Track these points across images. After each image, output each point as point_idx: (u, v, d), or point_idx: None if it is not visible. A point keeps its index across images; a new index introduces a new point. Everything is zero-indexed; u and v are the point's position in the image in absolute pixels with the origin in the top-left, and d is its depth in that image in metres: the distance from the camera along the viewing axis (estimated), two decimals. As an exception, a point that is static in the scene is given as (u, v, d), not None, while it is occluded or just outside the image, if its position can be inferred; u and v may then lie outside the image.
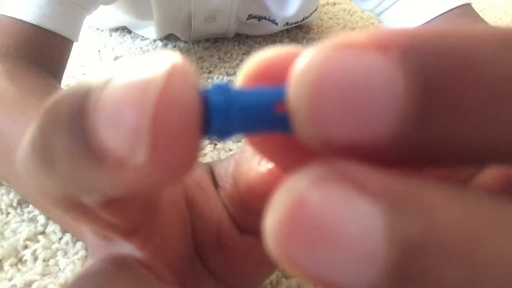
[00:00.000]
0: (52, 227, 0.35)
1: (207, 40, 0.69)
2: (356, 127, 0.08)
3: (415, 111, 0.07)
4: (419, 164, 0.08)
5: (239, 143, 0.45)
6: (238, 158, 0.17)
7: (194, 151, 0.09)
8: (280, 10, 0.65)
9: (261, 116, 0.09)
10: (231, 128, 0.09)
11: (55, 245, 0.34)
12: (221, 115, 0.09)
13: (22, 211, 0.37)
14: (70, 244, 0.34)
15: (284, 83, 0.09)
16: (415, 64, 0.07)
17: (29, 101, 0.37)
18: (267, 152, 0.12)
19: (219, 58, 0.64)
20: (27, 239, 0.34)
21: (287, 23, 0.68)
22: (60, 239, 0.35)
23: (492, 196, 0.08)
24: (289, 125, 0.09)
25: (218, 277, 0.18)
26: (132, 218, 0.13)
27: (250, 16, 0.66)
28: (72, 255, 0.33)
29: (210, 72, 0.61)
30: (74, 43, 0.49)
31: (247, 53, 0.66)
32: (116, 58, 0.65)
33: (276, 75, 0.10)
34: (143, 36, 0.70)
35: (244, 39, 0.70)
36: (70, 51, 0.48)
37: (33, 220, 0.36)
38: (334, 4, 0.85)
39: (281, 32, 0.72)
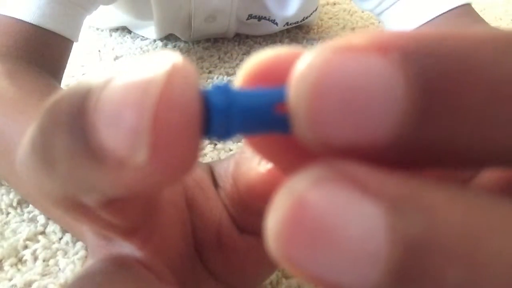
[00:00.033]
0: (52, 227, 0.35)
1: (207, 40, 0.69)
2: (356, 128, 0.08)
3: (415, 113, 0.07)
4: (419, 166, 0.08)
5: (239, 143, 0.45)
6: (238, 158, 0.17)
7: (194, 151, 0.09)
8: (280, 10, 0.65)
9: (261, 117, 0.09)
10: (231, 129, 0.09)
11: (55, 245, 0.34)
12: (222, 116, 0.09)
13: (22, 211, 0.37)
14: (70, 244, 0.34)
15: (283, 84, 0.09)
16: (415, 67, 0.07)
17: (29, 101, 0.37)
18: (266, 153, 0.12)
19: (219, 58, 0.64)
20: (27, 239, 0.34)
21: (287, 23, 0.68)
22: (60, 239, 0.35)
23: (492, 196, 0.08)
24: (289, 126, 0.09)
25: (218, 277, 0.18)
26: (132, 218, 0.13)
27: (250, 16, 0.66)
28: (72, 255, 0.33)
29: (210, 72, 0.61)
30: (74, 43, 0.49)
31: (247, 53, 0.66)
32: (116, 58, 0.65)
33: (275, 75, 0.10)
34: (143, 36, 0.70)
35: (244, 39, 0.70)
36: (70, 51, 0.48)
37: (33, 220, 0.36)
38: (334, 4, 0.84)
39: (281, 32, 0.72)
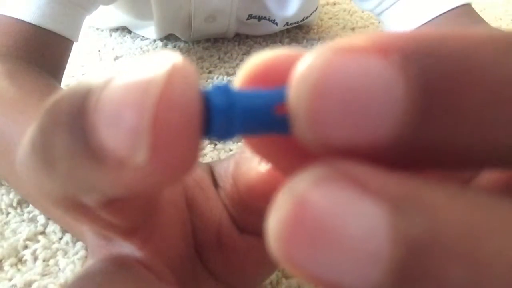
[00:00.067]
0: (52, 227, 0.35)
1: (207, 40, 0.69)
2: (356, 129, 0.08)
3: (415, 114, 0.07)
4: (419, 166, 0.08)
5: (239, 143, 0.45)
6: (238, 158, 0.17)
7: (195, 151, 0.09)
8: (280, 10, 0.66)
9: (261, 117, 0.09)
10: (231, 129, 0.09)
11: (55, 245, 0.34)
12: (222, 116, 0.09)
13: (22, 211, 0.37)
14: (70, 244, 0.34)
15: (283, 85, 0.09)
16: (416, 68, 0.07)
17: (29, 101, 0.37)
18: (265, 153, 0.12)
19: (219, 58, 0.64)
20: (27, 239, 0.34)
21: (287, 23, 0.68)
22: (60, 239, 0.35)
23: (493, 196, 0.08)
24: (289, 127, 0.09)
25: (218, 277, 0.18)
26: (132, 218, 0.13)
27: (250, 16, 0.66)
28: (72, 255, 0.33)
29: (210, 72, 0.61)
30: (74, 43, 0.49)
31: (247, 53, 0.66)
32: (116, 58, 0.65)
33: (274, 76, 0.10)
34: (143, 36, 0.70)
35: (244, 39, 0.70)
36: (70, 51, 0.48)
37: (33, 220, 0.36)
38: (334, 4, 0.84)
39: (281, 32, 0.72)
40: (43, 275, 0.32)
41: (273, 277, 0.30)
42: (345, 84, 0.08)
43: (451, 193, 0.07)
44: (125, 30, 0.72)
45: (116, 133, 0.08)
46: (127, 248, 0.14)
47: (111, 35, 0.71)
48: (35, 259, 0.33)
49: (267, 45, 0.69)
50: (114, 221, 0.12)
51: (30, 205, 0.37)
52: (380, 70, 0.07)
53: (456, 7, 0.50)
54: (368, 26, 0.77)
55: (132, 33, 0.72)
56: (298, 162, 0.11)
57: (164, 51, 0.10)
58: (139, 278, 0.13)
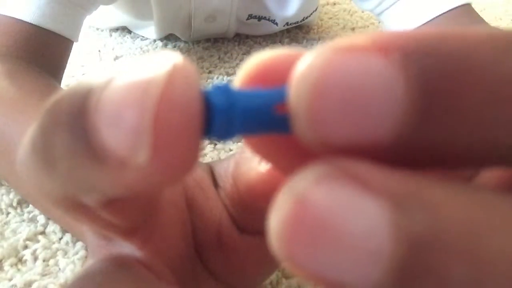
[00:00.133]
0: (52, 227, 0.35)
1: (207, 40, 0.69)
2: (356, 128, 0.08)
3: (415, 113, 0.07)
4: (419, 165, 0.08)
5: (239, 143, 0.45)
6: (238, 158, 0.17)
7: (195, 151, 0.09)
8: (280, 10, 0.66)
9: (262, 117, 0.09)
10: (232, 129, 0.09)
11: (55, 245, 0.34)
12: (223, 116, 0.09)
13: (22, 211, 0.37)
14: (70, 244, 0.34)
15: (283, 84, 0.09)
16: (416, 67, 0.07)
17: (29, 101, 0.37)
18: (265, 153, 0.12)
19: (219, 58, 0.64)
20: (27, 239, 0.34)
21: (287, 23, 0.68)
22: (60, 239, 0.35)
23: (495, 193, 0.08)
24: (289, 126, 0.09)
25: (218, 277, 0.18)
26: (132, 218, 0.13)
27: (250, 16, 0.66)
28: (72, 255, 0.33)
29: (210, 72, 0.61)
30: (74, 43, 0.49)
31: (247, 53, 0.66)
32: (116, 58, 0.65)
33: (274, 76, 0.10)
34: (143, 36, 0.70)
35: (244, 39, 0.70)
36: (70, 51, 0.48)
37: (33, 220, 0.36)
38: (334, 4, 0.85)
39: (281, 32, 0.72)
40: (43, 275, 0.32)
41: (273, 277, 0.30)
42: (345, 83, 0.08)
43: (453, 190, 0.07)
44: (125, 30, 0.72)
45: (116, 133, 0.08)
46: (127, 248, 0.14)
47: (111, 35, 0.71)
48: (35, 259, 0.33)
49: (267, 45, 0.69)
50: (114, 221, 0.12)
51: (30, 205, 0.37)
52: (380, 69, 0.07)
53: (456, 7, 0.50)
54: (368, 26, 0.77)
55: (132, 33, 0.72)
56: (298, 162, 0.11)
57: (164, 51, 0.10)
58: (139, 278, 0.13)
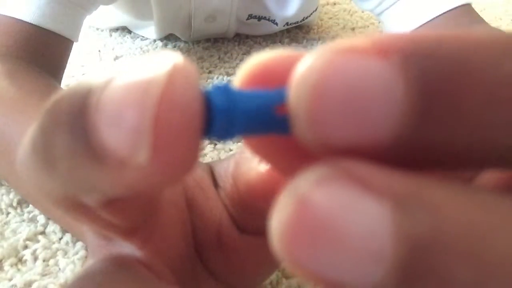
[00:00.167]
0: (52, 227, 0.35)
1: (207, 40, 0.69)
2: (355, 129, 0.08)
3: (415, 115, 0.07)
4: (419, 167, 0.08)
5: (239, 143, 0.45)
6: (238, 158, 0.17)
7: (195, 151, 0.09)
8: (280, 10, 0.66)
9: (262, 118, 0.09)
10: (232, 130, 0.09)
11: (55, 245, 0.34)
12: (224, 117, 0.09)
13: (22, 211, 0.37)
14: (70, 244, 0.34)
15: (283, 85, 0.09)
16: (415, 69, 0.07)
17: (29, 101, 0.37)
18: (265, 154, 0.12)
19: (219, 58, 0.64)
20: (27, 239, 0.34)
21: (287, 23, 0.68)
22: (60, 239, 0.35)
23: (496, 194, 0.08)
24: (289, 127, 0.09)
25: (218, 277, 0.18)
26: (132, 218, 0.13)
27: (250, 16, 0.66)
28: (72, 255, 0.33)
29: (210, 72, 0.61)
30: (74, 43, 0.49)
31: (247, 53, 0.66)
32: (116, 58, 0.65)
33: (273, 77, 0.10)
34: (143, 36, 0.70)
35: (244, 39, 0.70)
36: (70, 51, 0.48)
37: (33, 220, 0.36)
38: (334, 4, 0.85)
39: (281, 32, 0.72)
40: (43, 275, 0.32)
41: (273, 277, 0.30)
42: (345, 84, 0.08)
43: (454, 191, 0.07)
44: (125, 30, 0.72)
45: (117, 133, 0.09)
46: (127, 248, 0.14)
47: (111, 35, 0.71)
48: (35, 259, 0.33)
49: (267, 45, 0.69)
50: (114, 221, 0.12)
51: (30, 205, 0.37)
52: (380, 71, 0.07)
53: (456, 7, 0.50)
54: (368, 26, 0.77)
55: (132, 33, 0.72)
56: (297, 163, 0.11)
57: (165, 51, 0.10)
58: (139, 278, 0.13)
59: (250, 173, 0.16)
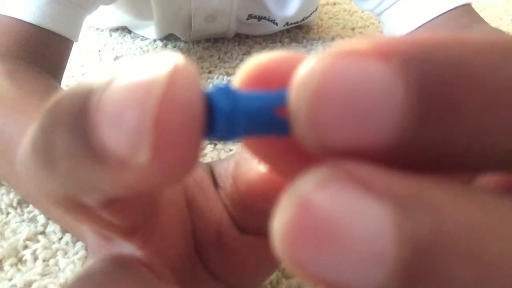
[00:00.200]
0: (52, 227, 0.35)
1: (207, 40, 0.69)
2: (355, 132, 0.08)
3: (415, 118, 0.07)
4: (419, 169, 0.08)
5: (239, 144, 0.45)
6: (238, 158, 0.17)
7: (196, 151, 0.09)
8: (280, 10, 0.66)
9: (263, 119, 0.09)
10: (233, 131, 0.09)
11: (55, 245, 0.34)
12: (225, 118, 0.09)
13: (22, 211, 0.37)
14: (70, 244, 0.34)
15: (282, 87, 0.09)
16: (415, 73, 0.07)
17: (29, 101, 0.37)
18: (263, 155, 0.12)
19: (219, 58, 0.64)
20: (27, 239, 0.34)
21: (287, 23, 0.68)
22: (60, 239, 0.35)
23: (498, 196, 0.08)
24: (290, 129, 0.09)
25: (218, 277, 0.18)
26: (132, 218, 0.13)
27: (250, 16, 0.66)
28: (72, 255, 0.33)
29: (210, 72, 0.61)
30: (74, 43, 0.49)
31: (247, 53, 0.66)
32: (116, 58, 0.65)
33: (272, 79, 0.10)
34: (143, 36, 0.70)
35: (244, 39, 0.70)
36: (70, 51, 0.48)
37: (33, 220, 0.36)
38: (334, 4, 0.85)
39: (281, 32, 0.72)
40: (43, 275, 0.32)
41: (273, 277, 0.30)
42: (345, 87, 0.08)
43: (454, 192, 0.07)
44: (125, 30, 0.72)
45: (117, 134, 0.09)
46: (127, 248, 0.14)
47: (111, 35, 0.71)
48: (35, 259, 0.33)
49: (267, 45, 0.69)
50: (114, 221, 0.12)
51: (30, 205, 0.37)
52: (380, 74, 0.08)
53: (456, 7, 0.50)
54: (368, 26, 0.77)
55: (132, 33, 0.72)
56: (296, 165, 0.11)
57: (165, 51, 0.10)
58: (139, 278, 0.13)
59: (250, 173, 0.16)
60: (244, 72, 0.10)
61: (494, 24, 0.71)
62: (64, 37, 0.46)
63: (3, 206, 0.37)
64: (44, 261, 0.33)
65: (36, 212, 0.37)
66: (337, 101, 0.08)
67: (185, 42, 0.69)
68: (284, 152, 0.11)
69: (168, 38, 0.70)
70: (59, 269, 0.32)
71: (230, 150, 0.44)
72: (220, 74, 0.60)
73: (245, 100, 0.09)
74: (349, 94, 0.08)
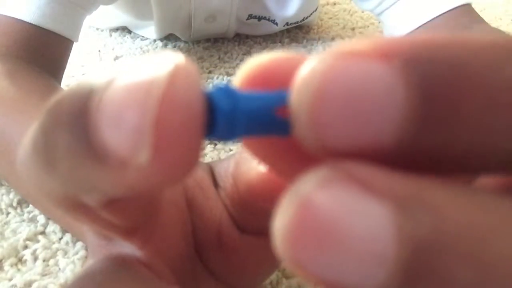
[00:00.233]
0: (52, 227, 0.35)
1: (207, 40, 0.69)
2: (356, 133, 0.08)
3: (416, 119, 0.07)
4: (419, 170, 0.08)
5: (239, 143, 0.45)
6: (238, 158, 0.17)
7: (196, 151, 0.09)
8: (280, 10, 0.66)
9: (264, 119, 0.09)
10: (234, 131, 0.10)
11: (55, 245, 0.34)
12: (226, 118, 0.09)
13: (22, 211, 0.37)
14: (70, 244, 0.34)
15: (282, 87, 0.09)
16: (416, 74, 0.07)
17: (29, 101, 0.37)
18: (263, 156, 0.12)
19: (219, 58, 0.64)
20: (27, 239, 0.34)
21: (287, 23, 0.68)
22: (60, 239, 0.35)
23: (498, 196, 0.08)
24: (290, 129, 0.09)
25: (218, 277, 0.18)
26: (132, 218, 0.13)
27: (250, 16, 0.66)
28: (72, 255, 0.33)
29: (210, 72, 0.61)
30: (74, 43, 0.49)
31: (247, 53, 0.66)
32: (116, 58, 0.65)
33: (272, 79, 0.10)
34: (143, 36, 0.70)
35: (244, 39, 0.70)
36: (70, 51, 0.48)
37: (33, 220, 0.36)
38: (334, 4, 0.85)
39: (281, 32, 0.72)
40: (43, 275, 0.32)
41: (273, 277, 0.30)
42: (346, 88, 0.08)
43: (455, 192, 0.07)
44: (125, 30, 0.72)
45: (118, 133, 0.09)
46: (127, 248, 0.14)
47: (111, 35, 0.71)
48: (35, 259, 0.33)
49: (267, 45, 0.69)
50: (114, 221, 0.12)
51: (30, 205, 0.37)
52: (381, 75, 0.08)
53: (456, 7, 0.50)
54: (368, 26, 0.77)
55: (132, 33, 0.72)
56: (296, 165, 0.11)
57: (166, 51, 0.10)
58: (139, 278, 0.13)
59: (250, 173, 0.16)
60: (244, 72, 0.10)
61: (494, 24, 0.71)
62: (64, 37, 0.46)
63: (3, 206, 0.37)
64: (44, 261, 0.33)
65: (36, 212, 0.37)
66: (338, 102, 0.08)
67: (185, 42, 0.69)
68: (284, 153, 0.11)
69: (168, 38, 0.70)
70: (59, 269, 0.32)
71: (230, 150, 0.44)
72: (220, 74, 0.60)
73: (245, 100, 0.09)
74: (350, 94, 0.08)
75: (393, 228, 0.07)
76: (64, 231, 0.35)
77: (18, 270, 0.32)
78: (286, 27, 0.70)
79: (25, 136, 0.10)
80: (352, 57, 0.08)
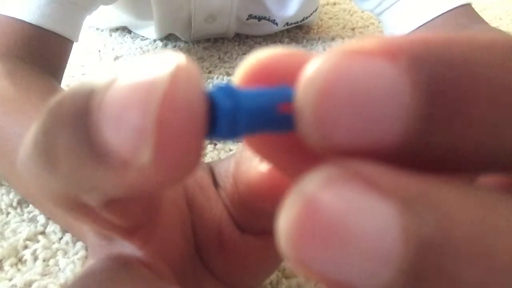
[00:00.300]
0: (52, 227, 0.35)
1: (207, 40, 0.69)
2: (362, 131, 0.08)
3: (421, 118, 0.07)
4: (425, 169, 0.08)
5: (239, 143, 0.45)
6: (238, 158, 0.17)
7: (198, 151, 0.09)
8: (280, 10, 0.66)
9: (266, 117, 0.09)
10: (236, 130, 0.09)
11: (55, 245, 0.34)
12: (227, 117, 0.09)
13: (22, 211, 0.37)
14: (70, 244, 0.34)
15: (283, 83, 0.09)
16: (422, 72, 0.07)
17: (29, 101, 0.36)
18: (265, 154, 0.12)
19: (219, 58, 0.64)
20: (27, 239, 0.34)
21: (287, 23, 0.68)
22: (60, 239, 0.35)
23: (504, 194, 0.08)
24: (292, 125, 0.09)
25: (219, 277, 0.18)
26: (133, 218, 0.13)
27: (250, 16, 0.66)
28: (72, 255, 0.33)
29: (210, 72, 0.61)
30: (74, 43, 0.49)
31: (247, 53, 0.65)
32: (116, 58, 0.65)
33: (272, 75, 0.10)
34: (143, 36, 0.70)
35: (244, 39, 0.70)
36: (70, 51, 0.48)
37: (33, 220, 0.36)
38: (334, 4, 0.85)
39: (281, 32, 0.72)
40: (43, 275, 0.32)
41: (273, 277, 0.30)
42: (352, 86, 0.08)
43: (462, 192, 0.07)
44: (125, 30, 0.72)
45: (120, 134, 0.09)
46: (128, 248, 0.14)
47: (111, 35, 0.71)
48: (35, 259, 0.33)
49: (267, 45, 0.68)
50: (115, 221, 0.12)
51: (30, 205, 0.37)
52: (387, 74, 0.08)
53: (456, 7, 0.50)
54: (368, 26, 0.77)
55: (132, 33, 0.72)
56: (298, 162, 0.11)
57: (167, 51, 0.10)
58: (140, 277, 0.13)
59: (251, 173, 0.16)
60: (244, 69, 0.10)
61: (494, 24, 0.71)
62: (64, 37, 0.46)
63: (3, 206, 0.37)
64: (44, 261, 0.33)
65: (36, 212, 0.37)
66: (343, 100, 0.08)
67: (185, 42, 0.69)
68: (287, 151, 0.11)
69: (168, 38, 0.70)
70: (59, 269, 0.32)
71: (230, 150, 0.44)
72: (220, 74, 0.60)
73: (246, 98, 0.09)
74: (356, 93, 0.08)
75: (399, 227, 0.07)
76: (64, 231, 0.35)
77: (18, 270, 0.32)
78: (286, 27, 0.70)
79: (26, 136, 0.10)
80: (358, 56, 0.08)
